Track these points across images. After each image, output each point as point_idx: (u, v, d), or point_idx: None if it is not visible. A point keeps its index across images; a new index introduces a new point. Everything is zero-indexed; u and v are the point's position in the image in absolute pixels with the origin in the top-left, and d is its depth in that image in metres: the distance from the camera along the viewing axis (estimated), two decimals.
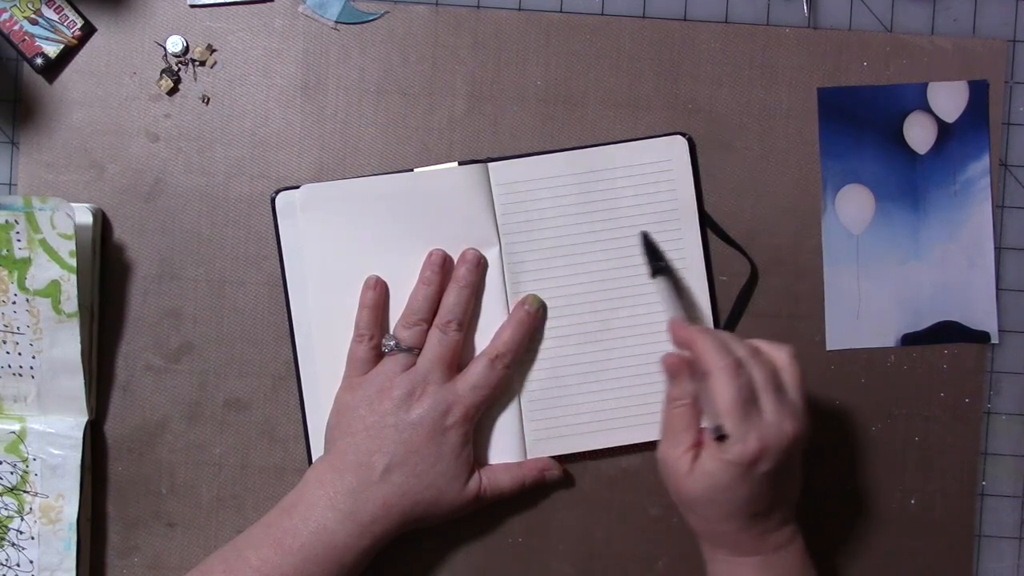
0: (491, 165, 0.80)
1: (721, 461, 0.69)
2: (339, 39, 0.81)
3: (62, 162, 0.81)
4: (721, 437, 0.69)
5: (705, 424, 0.71)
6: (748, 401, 0.69)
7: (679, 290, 0.79)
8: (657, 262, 0.79)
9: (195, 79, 0.81)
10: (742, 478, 0.69)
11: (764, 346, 0.73)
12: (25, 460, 0.78)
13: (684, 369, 0.73)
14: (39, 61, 0.80)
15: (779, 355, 0.72)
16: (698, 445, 0.71)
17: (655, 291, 0.80)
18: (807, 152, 0.82)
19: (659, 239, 0.81)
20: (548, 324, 0.80)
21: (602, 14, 0.82)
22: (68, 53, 0.81)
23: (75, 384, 0.78)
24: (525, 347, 0.79)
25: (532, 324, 0.80)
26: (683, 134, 0.81)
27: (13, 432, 0.78)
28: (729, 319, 0.82)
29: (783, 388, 0.71)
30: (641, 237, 0.80)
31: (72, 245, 0.76)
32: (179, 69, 0.81)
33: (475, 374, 0.78)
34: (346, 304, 0.79)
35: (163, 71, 0.81)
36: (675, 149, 0.81)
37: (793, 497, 0.74)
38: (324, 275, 0.80)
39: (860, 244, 0.82)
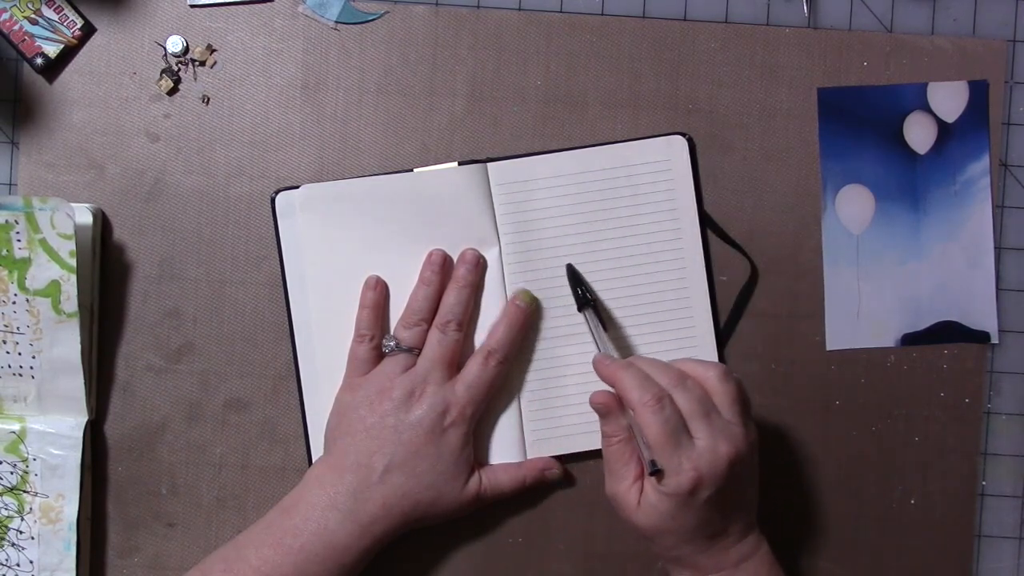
0: (491, 165, 0.80)
1: (662, 494, 0.70)
2: (339, 39, 0.81)
3: (62, 162, 0.81)
4: (656, 471, 0.69)
5: (643, 456, 0.71)
6: (676, 432, 0.69)
7: (604, 324, 0.78)
8: (584, 295, 0.78)
9: (195, 79, 0.81)
10: (686, 507, 0.70)
11: (692, 368, 0.72)
12: (25, 460, 0.78)
13: (614, 406, 0.73)
14: (39, 61, 0.80)
15: (708, 376, 0.72)
16: (641, 477, 0.72)
17: (655, 290, 0.81)
18: (807, 152, 0.82)
19: (659, 239, 0.81)
20: (548, 324, 0.80)
21: (602, 14, 0.82)
22: (68, 53, 0.81)
23: (75, 384, 0.78)
24: (519, 343, 0.79)
25: (525, 319, 0.79)
26: (683, 134, 0.81)
27: (13, 432, 0.78)
28: (729, 319, 0.82)
29: (716, 410, 0.71)
30: (567, 269, 0.79)
31: (72, 245, 0.76)
32: (179, 69, 0.81)
33: (470, 373, 0.78)
34: (346, 304, 0.79)
35: (163, 71, 0.81)
36: (675, 149, 0.81)
37: (750, 508, 0.74)
38: (324, 275, 0.80)
39: (860, 244, 0.82)
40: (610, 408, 0.73)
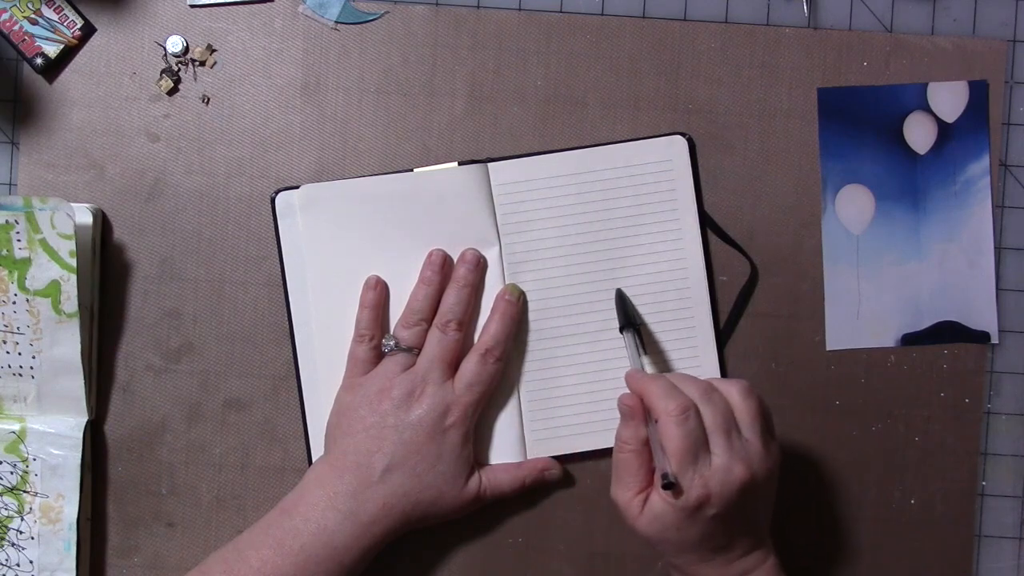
0: (491, 165, 0.80)
1: (668, 504, 0.69)
2: (339, 39, 0.81)
3: (62, 162, 0.81)
4: (669, 484, 0.69)
5: (657, 467, 0.71)
6: (695, 446, 0.69)
7: (645, 345, 0.78)
8: (629, 319, 0.78)
9: (195, 79, 0.81)
10: (689, 520, 0.69)
11: (718, 384, 0.72)
12: (25, 460, 0.78)
13: (638, 411, 0.72)
14: (39, 61, 0.80)
15: (731, 391, 0.72)
16: (647, 487, 0.71)
17: (656, 290, 0.81)
18: (807, 152, 0.82)
19: (659, 239, 0.81)
20: (548, 324, 0.80)
21: (602, 14, 0.82)
22: (68, 53, 0.81)
23: (75, 384, 0.78)
24: (513, 337, 0.79)
25: (516, 313, 0.79)
26: (683, 134, 0.81)
27: (13, 432, 0.78)
28: (729, 319, 0.82)
29: (737, 428, 0.71)
30: (616, 294, 0.80)
31: (72, 245, 0.76)
32: (179, 69, 0.81)
33: (469, 372, 0.78)
34: (346, 304, 0.79)
35: (163, 71, 0.81)
36: (675, 149, 0.81)
37: (760, 526, 0.73)
38: (324, 275, 0.80)
39: (860, 244, 0.82)
40: (634, 412, 0.73)
